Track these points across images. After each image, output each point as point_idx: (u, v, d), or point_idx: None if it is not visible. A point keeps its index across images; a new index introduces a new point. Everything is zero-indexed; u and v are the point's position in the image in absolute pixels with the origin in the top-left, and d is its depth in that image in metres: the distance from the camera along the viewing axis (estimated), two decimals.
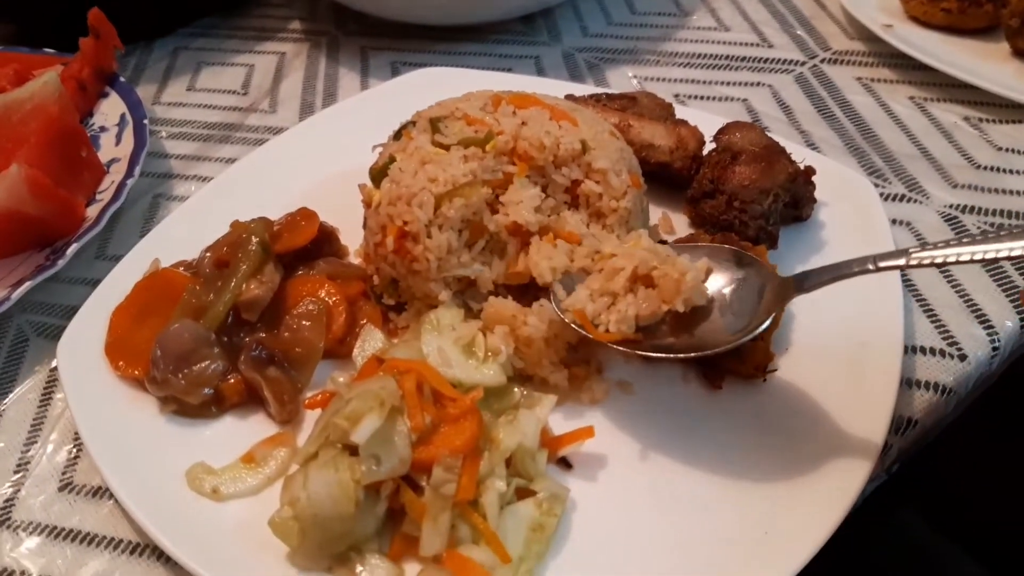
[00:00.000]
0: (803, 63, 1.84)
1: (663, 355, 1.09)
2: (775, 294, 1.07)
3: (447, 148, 1.22)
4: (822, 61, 1.84)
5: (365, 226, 1.31)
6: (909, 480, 1.31)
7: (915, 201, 1.49)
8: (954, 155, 1.58)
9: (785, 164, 1.31)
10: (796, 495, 1.03)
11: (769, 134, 1.40)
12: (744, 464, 1.08)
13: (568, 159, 1.22)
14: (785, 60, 1.85)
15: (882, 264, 1.00)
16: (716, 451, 1.10)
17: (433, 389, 1.05)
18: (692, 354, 1.08)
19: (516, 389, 1.14)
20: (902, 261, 0.98)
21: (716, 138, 1.39)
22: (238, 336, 1.22)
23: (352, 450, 1.00)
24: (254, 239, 1.26)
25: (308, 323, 1.22)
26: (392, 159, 1.25)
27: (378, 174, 1.26)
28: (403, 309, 1.27)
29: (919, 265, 0.96)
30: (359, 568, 0.98)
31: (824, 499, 1.02)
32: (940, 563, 1.70)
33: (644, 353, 1.10)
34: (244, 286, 1.22)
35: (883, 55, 1.82)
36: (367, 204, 1.28)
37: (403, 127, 1.32)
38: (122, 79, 1.72)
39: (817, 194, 1.36)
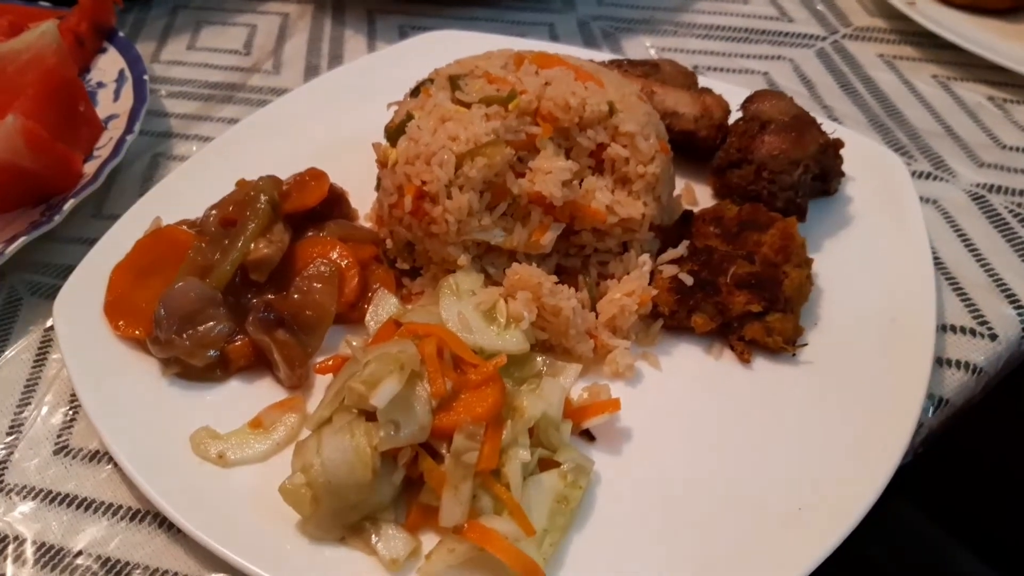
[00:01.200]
0: (824, 38, 1.80)
1: None
2: None
3: (468, 106, 1.17)
4: (843, 37, 1.80)
5: (379, 187, 1.25)
6: (930, 464, 1.28)
7: (941, 179, 1.45)
8: (979, 134, 1.54)
9: (816, 135, 1.27)
10: (829, 471, 1.00)
11: None
12: (774, 438, 1.04)
13: (594, 121, 1.16)
14: (805, 35, 1.81)
15: None
16: (745, 425, 1.06)
17: (454, 354, 1.00)
18: None
19: (538, 358, 1.09)
20: None
21: (744, 107, 1.34)
22: (245, 297, 1.17)
23: (368, 415, 0.95)
24: (263, 197, 1.20)
25: (319, 285, 1.16)
26: (410, 116, 1.19)
27: (395, 132, 1.20)
28: (418, 274, 1.22)
29: None
30: (374, 538, 0.93)
31: (859, 475, 0.98)
32: (947, 557, 1.67)
33: None
34: (252, 245, 1.16)
35: (905, 32, 1.78)
36: (382, 164, 1.22)
37: (421, 84, 1.26)
38: (121, 34, 1.66)
39: (844, 168, 1.32)
